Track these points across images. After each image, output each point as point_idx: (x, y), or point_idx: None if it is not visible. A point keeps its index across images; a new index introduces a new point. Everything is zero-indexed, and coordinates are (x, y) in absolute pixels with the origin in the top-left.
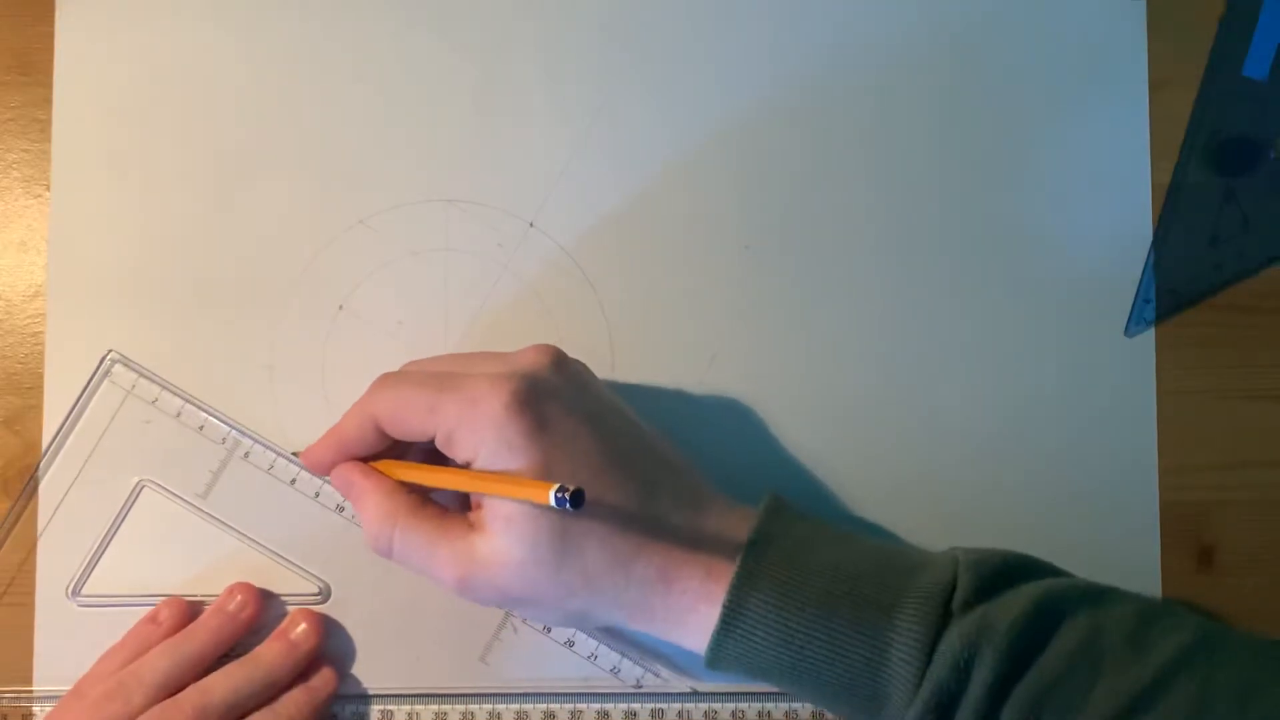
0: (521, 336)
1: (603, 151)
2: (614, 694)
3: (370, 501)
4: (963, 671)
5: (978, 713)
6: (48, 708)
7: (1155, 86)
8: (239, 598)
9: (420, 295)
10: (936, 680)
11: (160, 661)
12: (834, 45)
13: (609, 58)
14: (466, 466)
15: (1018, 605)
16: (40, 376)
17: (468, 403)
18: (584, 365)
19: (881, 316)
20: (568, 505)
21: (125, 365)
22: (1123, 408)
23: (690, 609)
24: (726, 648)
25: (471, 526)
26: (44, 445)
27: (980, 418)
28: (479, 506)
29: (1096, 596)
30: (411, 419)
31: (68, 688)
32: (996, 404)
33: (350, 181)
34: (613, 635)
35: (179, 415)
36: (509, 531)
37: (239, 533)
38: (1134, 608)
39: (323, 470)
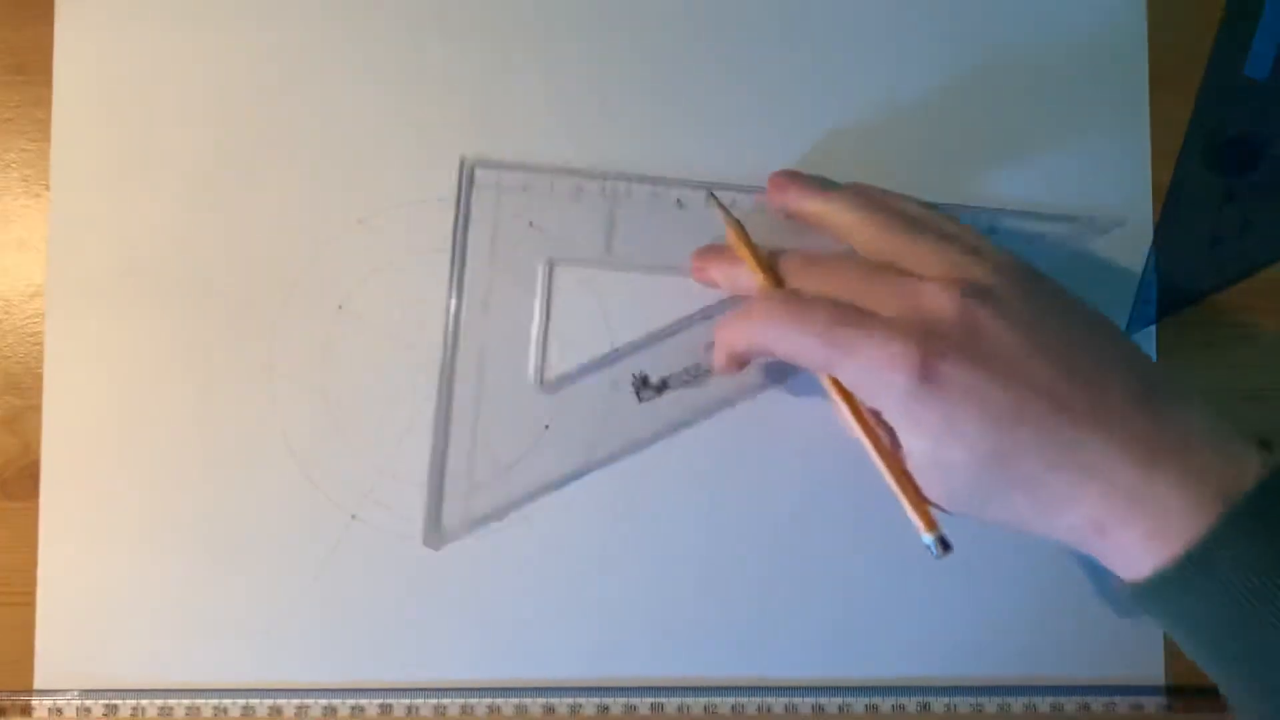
0: (521, 336)
1: (603, 153)
2: (614, 689)
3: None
4: None
5: None
6: (46, 703)
7: (1155, 86)
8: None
9: (420, 295)
10: None
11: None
12: (833, 44)
13: (610, 57)
14: None
15: None
16: (40, 376)
17: (863, 372)
18: (1007, 273)
19: None
20: (934, 553)
21: (484, 167)
22: None
23: (1123, 560)
24: (1155, 600)
25: (908, 454)
26: (451, 258)
27: None
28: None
29: None
30: (804, 360)
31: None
32: None
33: (350, 181)
34: None
35: (551, 189)
36: (925, 475)
37: (650, 267)
38: None
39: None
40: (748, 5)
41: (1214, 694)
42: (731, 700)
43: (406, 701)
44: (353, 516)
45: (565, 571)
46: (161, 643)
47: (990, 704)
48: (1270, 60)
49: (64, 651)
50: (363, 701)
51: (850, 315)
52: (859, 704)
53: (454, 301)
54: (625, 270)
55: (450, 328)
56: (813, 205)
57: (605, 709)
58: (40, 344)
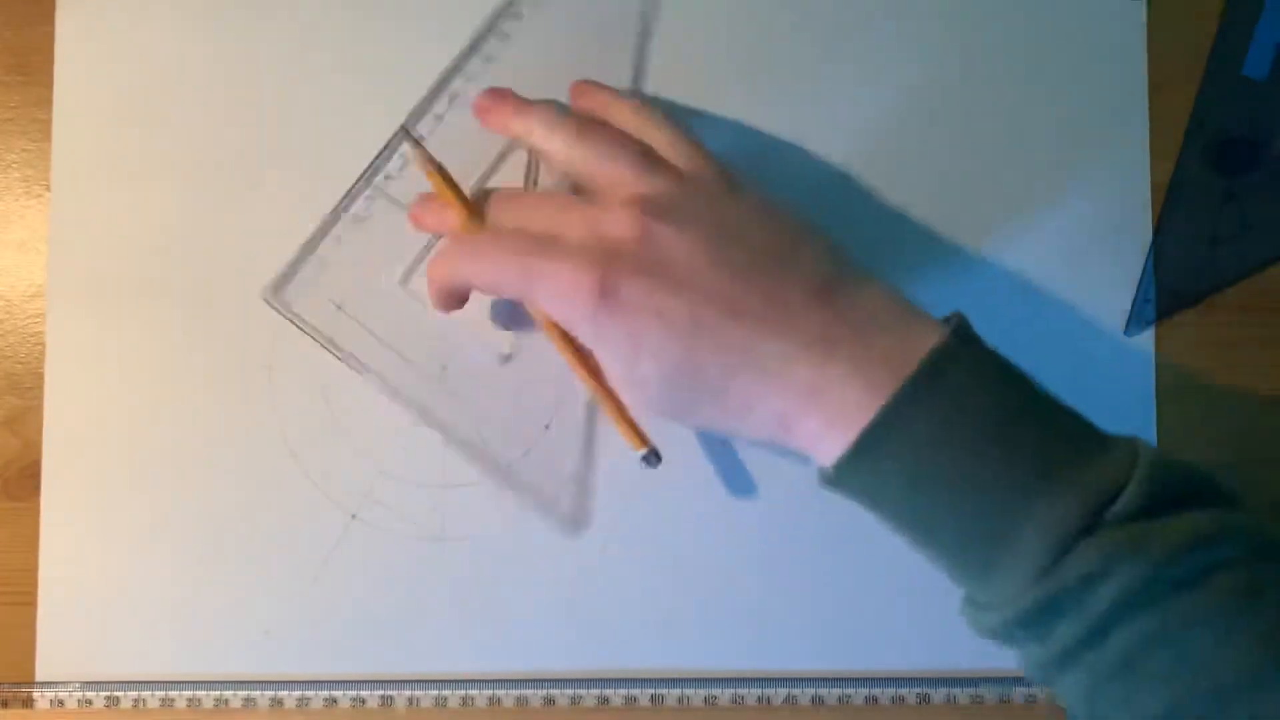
0: (521, 337)
1: None
2: (614, 680)
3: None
4: (1092, 581)
5: (1090, 626)
6: (49, 694)
7: (1155, 86)
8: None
9: (420, 295)
10: (1061, 582)
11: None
12: (833, 44)
13: (609, 58)
14: None
15: (1178, 534)
16: (40, 376)
17: (551, 298)
18: (694, 183)
19: None
20: (646, 465)
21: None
22: (1123, 408)
23: (811, 448)
24: (844, 479)
25: (607, 373)
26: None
27: None
28: None
29: (1271, 550)
30: (505, 292)
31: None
32: None
33: (350, 181)
34: None
35: None
36: (624, 391)
37: None
38: None
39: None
40: (751, 3)
41: None
42: (731, 691)
43: (408, 694)
44: (353, 516)
45: (565, 568)
46: (161, 642)
47: (990, 694)
48: (1269, 60)
49: (65, 650)
50: (364, 693)
51: (538, 245)
52: (859, 695)
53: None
54: None
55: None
56: (514, 126)
57: (605, 700)
58: (41, 344)
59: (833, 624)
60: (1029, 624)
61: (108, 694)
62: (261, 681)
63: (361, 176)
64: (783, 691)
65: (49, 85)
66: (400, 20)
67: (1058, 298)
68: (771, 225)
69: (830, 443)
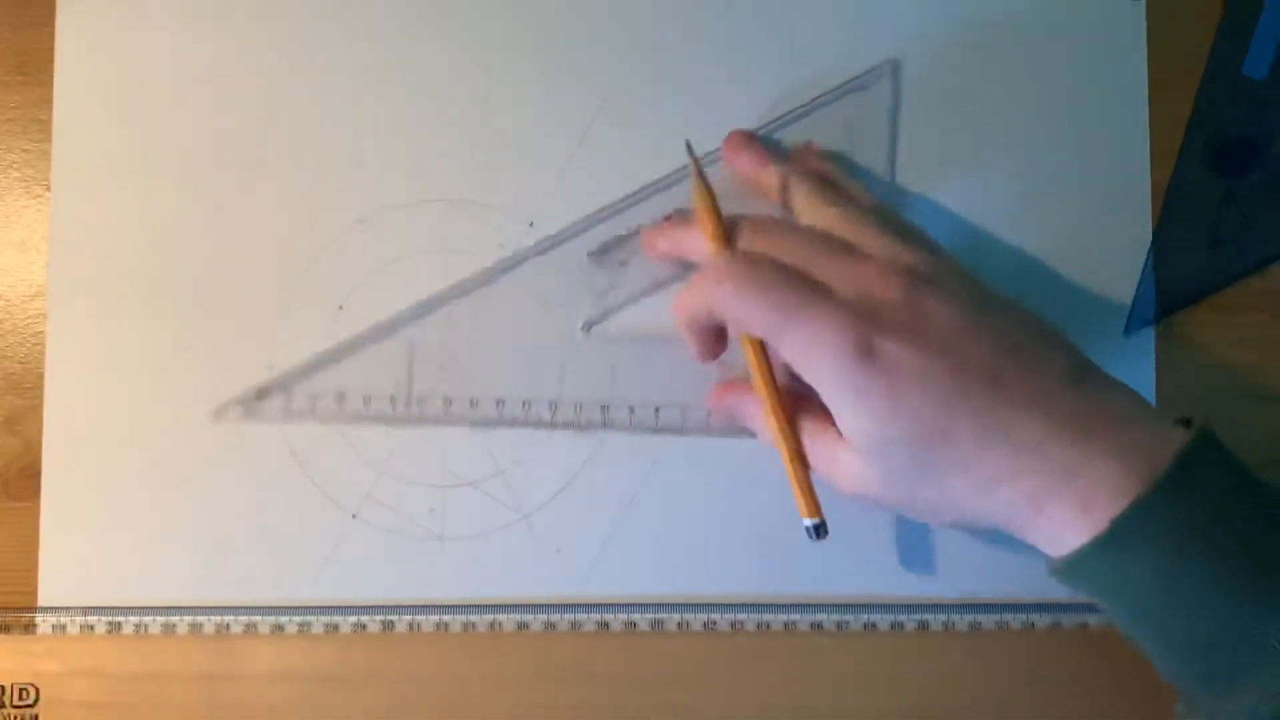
0: (521, 336)
1: (604, 151)
2: (609, 605)
3: (756, 413)
4: None
5: None
6: (50, 619)
7: (1155, 86)
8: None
9: (420, 295)
10: None
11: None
12: (833, 44)
13: (610, 57)
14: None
15: None
16: (40, 376)
17: (808, 344)
18: (944, 262)
19: None
20: (811, 537)
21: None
22: None
23: (1055, 535)
24: (1084, 571)
25: (840, 435)
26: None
27: None
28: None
29: None
30: (752, 327)
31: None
32: None
33: (350, 181)
34: None
35: None
36: (869, 456)
37: None
38: None
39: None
40: (751, 4)
41: None
42: (730, 617)
43: (409, 618)
44: (353, 516)
45: (567, 562)
46: (161, 642)
47: (989, 621)
48: (1269, 60)
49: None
50: (364, 619)
51: (803, 284)
52: (857, 621)
53: None
54: None
55: None
56: (765, 175)
57: (605, 625)
58: (41, 344)
59: (839, 550)
60: None
61: (109, 619)
62: (263, 607)
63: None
64: (782, 617)
65: (49, 85)
66: (400, 20)
67: (1057, 298)
68: (1018, 311)
69: (1076, 529)
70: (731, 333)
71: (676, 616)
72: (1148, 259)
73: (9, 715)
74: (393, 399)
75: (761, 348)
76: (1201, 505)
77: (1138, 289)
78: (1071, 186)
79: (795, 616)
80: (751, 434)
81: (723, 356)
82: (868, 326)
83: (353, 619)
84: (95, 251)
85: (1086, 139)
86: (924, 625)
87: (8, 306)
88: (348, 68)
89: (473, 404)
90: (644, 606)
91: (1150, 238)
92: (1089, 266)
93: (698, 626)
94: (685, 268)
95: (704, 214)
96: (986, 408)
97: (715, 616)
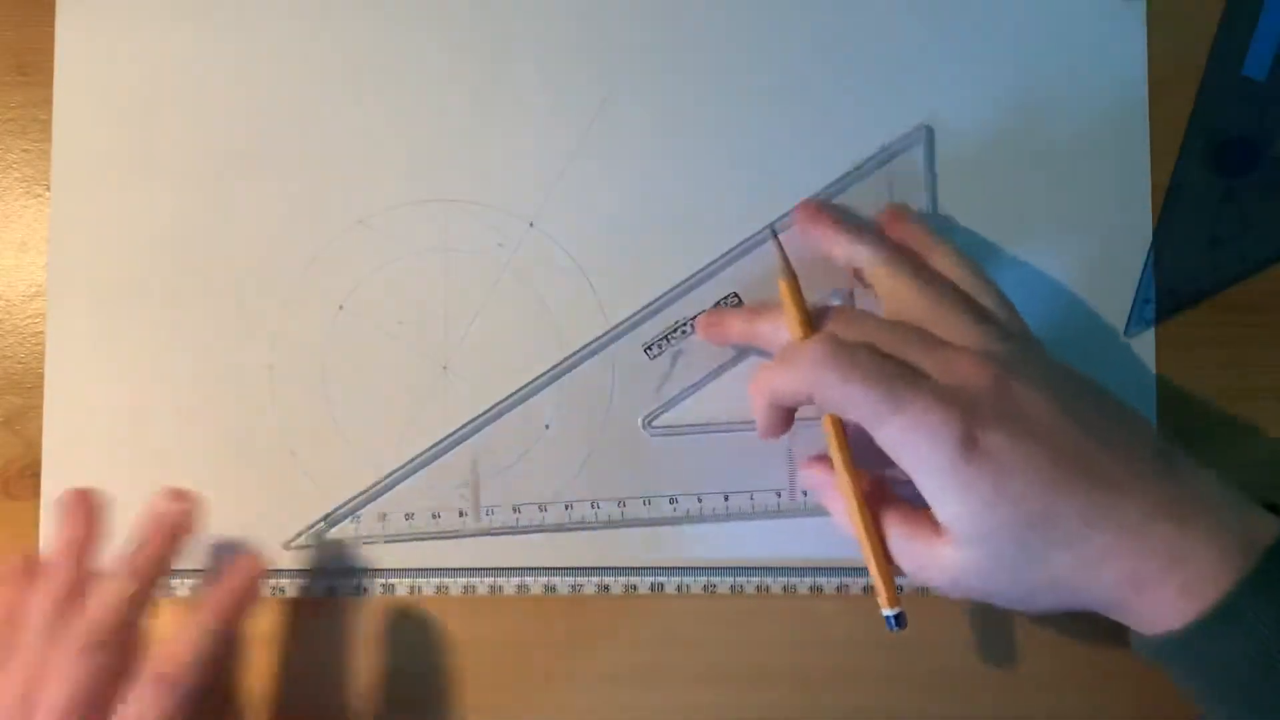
0: (522, 336)
1: (603, 151)
2: (608, 569)
3: (840, 497)
4: None
5: None
6: None
7: (1155, 86)
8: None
9: (420, 295)
10: None
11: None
12: (834, 45)
13: (610, 56)
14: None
15: None
16: (40, 376)
17: (910, 432)
18: (1024, 343)
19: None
20: (892, 627)
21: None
22: None
23: (1153, 616)
24: (1183, 652)
25: (937, 530)
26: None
27: None
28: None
29: None
30: (853, 416)
31: None
32: None
33: (350, 181)
34: None
35: None
36: (972, 544)
37: None
38: None
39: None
40: (751, 4)
41: None
42: (730, 580)
43: (409, 581)
44: (353, 516)
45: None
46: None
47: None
48: (1269, 60)
49: None
50: (364, 582)
51: (904, 372)
52: (856, 585)
53: None
54: None
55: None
56: (841, 249)
57: (605, 588)
58: (41, 344)
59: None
60: None
61: None
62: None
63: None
64: (780, 580)
65: (49, 85)
66: (400, 20)
67: (1058, 298)
68: (1100, 393)
69: (1175, 611)
70: (816, 413)
71: (677, 580)
72: (1148, 259)
73: None
74: (460, 512)
75: (842, 433)
76: None
77: (1138, 289)
78: (1072, 187)
79: (795, 580)
80: (827, 513)
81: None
82: (969, 417)
83: (352, 583)
84: (95, 251)
85: (1086, 139)
86: (924, 590)
87: (8, 306)
88: (348, 68)
89: (541, 509)
90: (643, 570)
91: (1150, 238)
92: (1089, 266)
93: (697, 589)
94: (754, 353)
95: (790, 299)
96: (1086, 489)
97: (715, 580)
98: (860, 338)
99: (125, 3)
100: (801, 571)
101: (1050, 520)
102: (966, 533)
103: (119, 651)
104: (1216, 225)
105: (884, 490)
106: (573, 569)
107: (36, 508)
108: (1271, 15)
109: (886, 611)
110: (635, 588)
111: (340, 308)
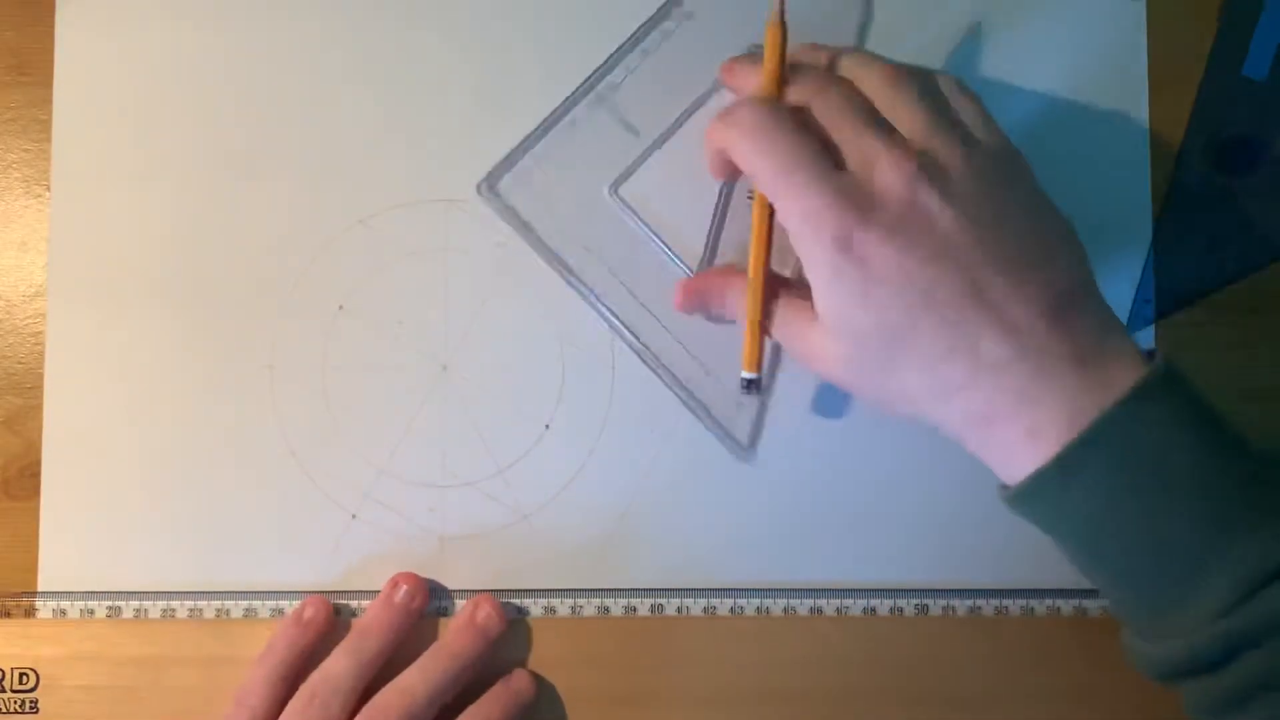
0: (522, 336)
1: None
2: (608, 591)
3: (731, 295)
4: (1272, 629)
5: (1267, 672)
6: (50, 604)
7: (1155, 86)
8: (405, 588)
9: (420, 295)
10: (1249, 620)
11: (345, 664)
12: (834, 42)
13: (609, 57)
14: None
15: None
16: (40, 376)
17: (796, 216)
18: (975, 158)
19: None
20: (747, 390)
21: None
22: None
23: (1008, 455)
24: (1034, 498)
25: (814, 316)
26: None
27: None
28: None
29: None
30: (755, 180)
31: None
32: None
33: (350, 181)
34: None
35: None
36: (834, 339)
37: None
38: None
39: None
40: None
41: None
42: (730, 602)
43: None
44: (353, 516)
45: (566, 560)
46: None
47: (1016, 606)
48: (1269, 60)
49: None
50: (365, 604)
51: (810, 154)
52: (856, 607)
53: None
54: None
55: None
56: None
57: (605, 610)
58: (41, 344)
59: (841, 538)
60: (1205, 659)
61: (109, 604)
62: (263, 592)
63: (586, 81)
64: (808, 603)
65: (49, 85)
66: (400, 20)
67: None
68: (1036, 221)
69: (1024, 455)
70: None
71: (676, 601)
72: (1148, 258)
73: (9, 699)
74: None
75: (769, 210)
76: (1153, 438)
77: (1138, 288)
78: (1072, 186)
79: (794, 602)
80: (721, 320)
81: None
82: (856, 217)
83: (354, 604)
84: (95, 251)
85: (1086, 139)
86: (923, 610)
87: (8, 306)
88: (348, 68)
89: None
90: (644, 592)
91: (1150, 238)
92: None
93: (697, 611)
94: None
95: (771, 50)
96: (956, 319)
97: (715, 602)
98: (808, 100)
99: (125, 3)
100: (802, 593)
101: (912, 334)
102: (830, 324)
103: None
104: (1216, 225)
105: (783, 281)
106: (572, 590)
107: (36, 508)
108: (1271, 16)
109: (745, 374)
110: (635, 609)
111: (340, 308)
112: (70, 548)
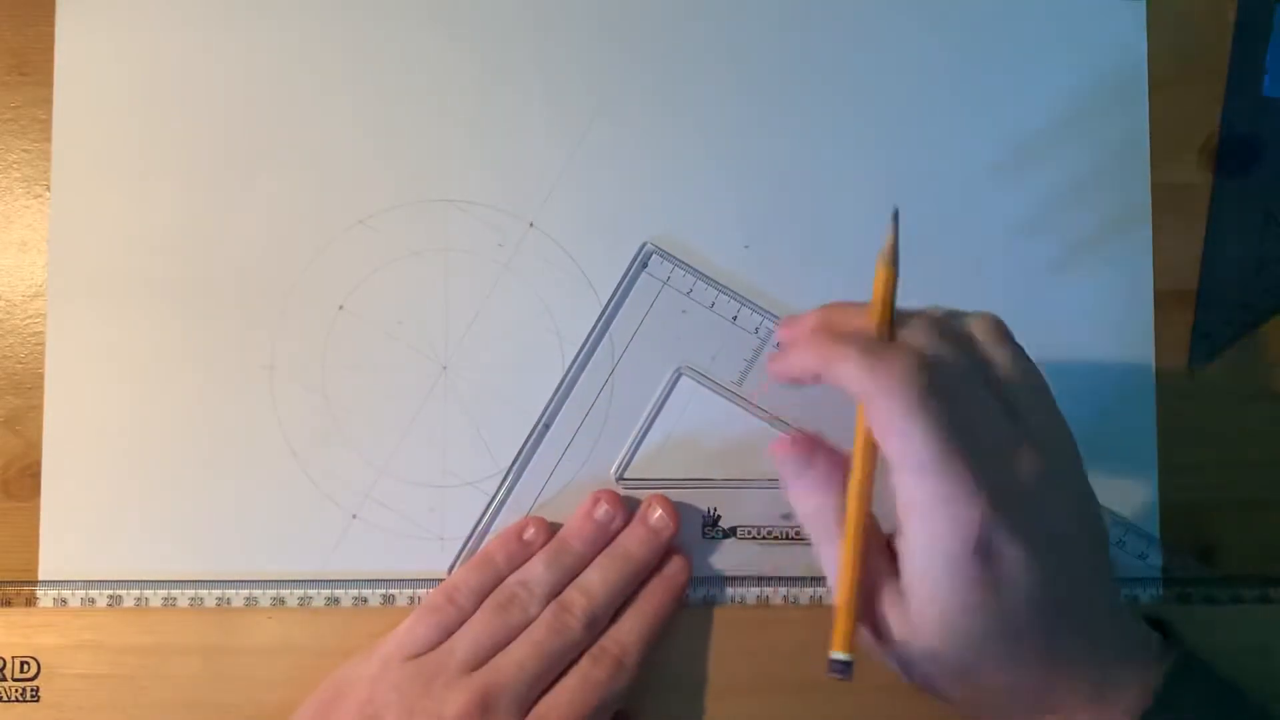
0: (522, 337)
1: (603, 151)
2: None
3: (828, 519)
4: None
5: None
6: (51, 593)
7: (1155, 86)
8: (605, 507)
9: (420, 295)
10: None
11: (544, 573)
12: (834, 44)
13: (609, 58)
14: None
15: None
16: (40, 376)
17: (938, 500)
18: (1036, 462)
19: None
20: (837, 671)
21: (661, 256)
22: (1123, 408)
23: None
24: None
25: (900, 589)
26: (587, 333)
27: None
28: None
29: None
30: (891, 446)
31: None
32: None
33: (350, 181)
34: None
35: (713, 306)
36: (920, 626)
37: (772, 416)
38: None
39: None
40: (751, 4)
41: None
42: (731, 591)
43: (410, 592)
44: (353, 516)
45: None
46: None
47: None
48: None
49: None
50: (365, 592)
51: (976, 444)
52: None
53: (573, 371)
54: (746, 408)
55: (558, 393)
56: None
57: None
58: (42, 344)
59: None
60: None
61: (110, 592)
62: (264, 581)
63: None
64: (782, 591)
65: (49, 85)
66: (400, 20)
67: (1057, 297)
68: (1087, 522)
69: None
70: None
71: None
72: (1200, 292)
73: (10, 688)
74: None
75: (872, 459)
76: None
77: (1195, 324)
78: (1072, 187)
79: (796, 591)
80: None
81: None
82: (995, 522)
83: (354, 593)
84: (95, 251)
85: (1086, 139)
86: None
87: (8, 306)
88: (348, 68)
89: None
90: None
91: (1150, 237)
92: (1089, 266)
93: (697, 601)
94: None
95: (883, 293)
96: (1069, 628)
97: (714, 591)
98: (944, 379)
99: (125, 3)
100: (803, 581)
101: (998, 660)
102: (923, 618)
103: (589, 632)
104: (1262, 247)
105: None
106: None
107: (36, 508)
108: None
109: (836, 655)
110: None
111: (340, 308)
112: (70, 548)
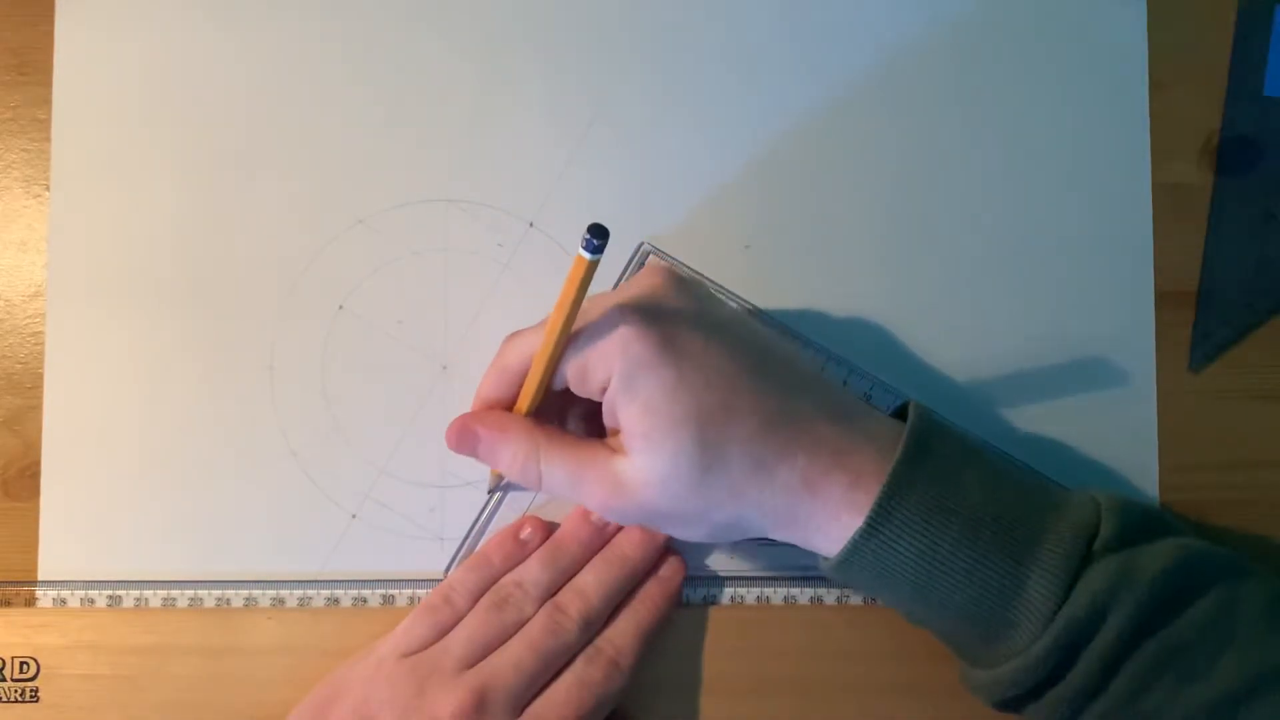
0: None
1: (603, 151)
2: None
3: (510, 438)
4: (1099, 613)
5: (1104, 658)
6: (51, 593)
7: (1155, 86)
8: None
9: (420, 295)
10: (1071, 616)
11: (539, 574)
12: (834, 45)
13: (609, 58)
14: (601, 399)
15: (1161, 559)
16: (40, 376)
17: (593, 332)
18: (702, 283)
19: (881, 317)
20: (590, 247)
21: (659, 255)
22: (1123, 408)
23: (833, 516)
24: (864, 553)
25: (612, 450)
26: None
27: (980, 418)
28: (616, 432)
29: (1237, 567)
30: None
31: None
32: (996, 405)
33: (350, 181)
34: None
35: None
36: (649, 449)
37: None
38: (1273, 585)
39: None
40: (750, 4)
41: None
42: (731, 591)
43: (409, 593)
44: (353, 516)
45: None
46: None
47: None
48: None
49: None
50: (365, 593)
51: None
52: (857, 595)
53: None
54: None
55: None
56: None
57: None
58: (41, 344)
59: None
60: (1043, 671)
61: (110, 593)
62: (264, 581)
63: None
64: (781, 591)
65: (49, 85)
66: (401, 20)
67: (1057, 297)
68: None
69: (848, 511)
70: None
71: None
72: (1199, 295)
73: (9, 688)
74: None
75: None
76: (941, 476)
77: (1195, 326)
78: (1072, 186)
79: (795, 591)
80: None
81: None
82: (645, 305)
83: (353, 593)
84: (95, 251)
85: (1086, 139)
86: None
87: (8, 306)
88: (348, 68)
89: None
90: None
91: (1150, 237)
92: (1089, 266)
93: (697, 600)
94: None
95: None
96: (764, 397)
97: (714, 591)
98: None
99: (125, 3)
100: (803, 581)
101: (728, 413)
102: (646, 430)
103: (585, 634)
104: (1264, 246)
105: (561, 430)
106: None
107: (36, 508)
108: None
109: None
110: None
111: (340, 308)
112: (70, 548)
